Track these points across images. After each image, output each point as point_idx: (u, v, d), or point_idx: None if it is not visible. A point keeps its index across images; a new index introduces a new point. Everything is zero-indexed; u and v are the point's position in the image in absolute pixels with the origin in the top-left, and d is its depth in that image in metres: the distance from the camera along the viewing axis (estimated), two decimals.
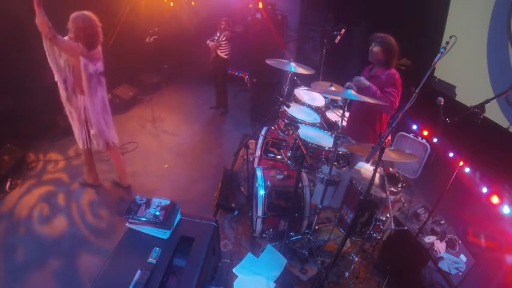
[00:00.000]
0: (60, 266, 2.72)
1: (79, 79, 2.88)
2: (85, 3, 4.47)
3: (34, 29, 3.63)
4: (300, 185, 2.84)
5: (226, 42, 5.27)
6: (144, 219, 1.85)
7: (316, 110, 3.65)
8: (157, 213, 1.87)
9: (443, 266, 2.77)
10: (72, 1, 4.27)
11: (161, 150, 4.61)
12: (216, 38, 5.25)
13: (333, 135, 2.66)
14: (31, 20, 3.63)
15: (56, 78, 2.94)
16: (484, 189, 2.98)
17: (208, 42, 5.35)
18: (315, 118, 3.48)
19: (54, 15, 3.22)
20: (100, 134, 3.19)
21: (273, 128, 3.54)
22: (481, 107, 2.45)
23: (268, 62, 3.46)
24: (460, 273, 2.64)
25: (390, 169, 2.80)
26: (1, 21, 3.48)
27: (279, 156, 3.55)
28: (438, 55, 1.93)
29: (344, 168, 2.89)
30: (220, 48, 5.29)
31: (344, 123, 2.86)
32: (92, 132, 3.15)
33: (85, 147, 3.25)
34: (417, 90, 1.93)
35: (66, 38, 2.80)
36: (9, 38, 3.63)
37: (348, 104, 2.73)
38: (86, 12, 2.81)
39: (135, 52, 6.03)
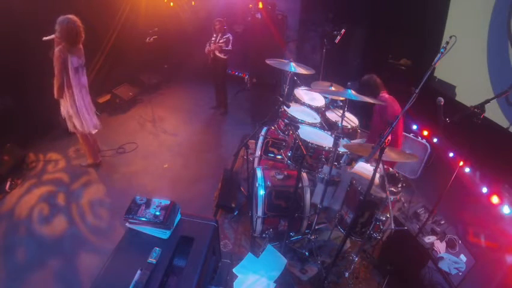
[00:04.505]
0: (60, 266, 2.73)
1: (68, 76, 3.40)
2: (85, 3, 4.49)
3: (34, 30, 3.64)
4: (300, 185, 2.84)
5: (224, 44, 5.25)
6: (144, 219, 1.85)
7: (316, 110, 3.65)
8: (157, 213, 1.86)
9: (443, 266, 2.77)
10: (73, 2, 4.29)
11: (161, 150, 4.61)
12: (213, 40, 5.23)
13: (333, 135, 2.66)
14: (31, 20, 3.65)
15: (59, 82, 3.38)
16: (484, 189, 2.99)
17: (206, 49, 5.34)
18: (315, 118, 3.48)
19: (55, 15, 3.27)
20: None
21: (273, 128, 3.54)
22: (481, 107, 2.45)
23: (268, 62, 3.46)
24: (460, 273, 2.65)
25: (390, 169, 2.80)
26: (2, 21, 3.49)
27: (279, 156, 3.55)
28: (438, 55, 1.93)
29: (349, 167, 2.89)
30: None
31: (344, 123, 2.86)
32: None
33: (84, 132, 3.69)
34: (417, 90, 1.94)
35: (52, 36, 3.28)
36: (9, 38, 3.64)
37: (348, 105, 2.73)
38: (70, 16, 3.27)
39: (135, 52, 6.03)
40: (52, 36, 3.29)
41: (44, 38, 3.32)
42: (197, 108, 6.03)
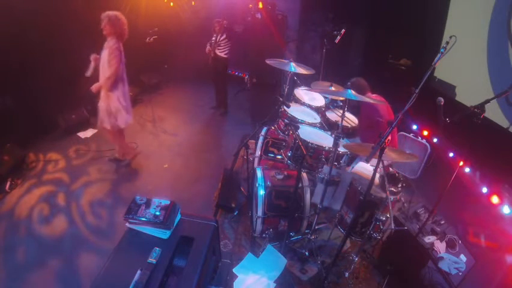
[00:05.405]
0: (60, 266, 2.72)
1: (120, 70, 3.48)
2: (85, 3, 4.49)
3: (35, 29, 3.63)
4: (300, 185, 2.84)
5: (226, 41, 5.25)
6: (144, 219, 1.85)
7: (316, 110, 3.65)
8: (157, 213, 1.87)
9: (443, 266, 2.77)
10: (73, 2, 4.29)
11: (161, 150, 4.61)
12: (213, 40, 5.23)
13: (333, 135, 2.66)
14: (32, 20, 3.64)
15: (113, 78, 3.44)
16: (484, 189, 2.98)
17: (206, 48, 5.35)
18: (315, 118, 3.47)
19: (55, 15, 3.26)
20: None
21: (273, 128, 3.54)
22: (481, 107, 2.44)
23: (268, 62, 3.46)
24: (460, 273, 2.65)
25: (390, 169, 2.80)
26: (2, 21, 3.49)
27: (279, 156, 3.55)
28: (438, 55, 1.93)
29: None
30: (219, 47, 5.28)
31: (344, 123, 2.87)
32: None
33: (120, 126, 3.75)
34: (417, 90, 1.93)
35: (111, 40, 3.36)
36: (10, 37, 3.64)
37: (348, 105, 2.73)
38: (118, 13, 3.38)
39: (135, 52, 6.02)
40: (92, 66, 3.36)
41: (87, 74, 3.41)
42: (197, 108, 6.03)
